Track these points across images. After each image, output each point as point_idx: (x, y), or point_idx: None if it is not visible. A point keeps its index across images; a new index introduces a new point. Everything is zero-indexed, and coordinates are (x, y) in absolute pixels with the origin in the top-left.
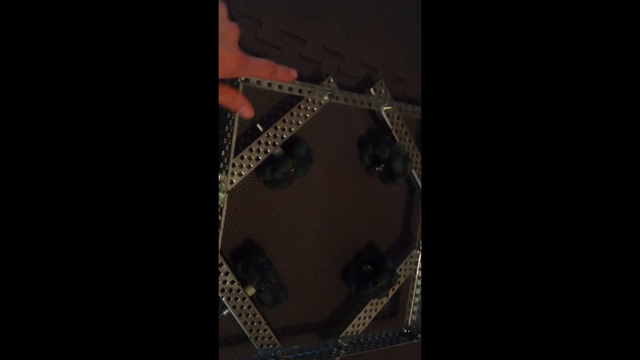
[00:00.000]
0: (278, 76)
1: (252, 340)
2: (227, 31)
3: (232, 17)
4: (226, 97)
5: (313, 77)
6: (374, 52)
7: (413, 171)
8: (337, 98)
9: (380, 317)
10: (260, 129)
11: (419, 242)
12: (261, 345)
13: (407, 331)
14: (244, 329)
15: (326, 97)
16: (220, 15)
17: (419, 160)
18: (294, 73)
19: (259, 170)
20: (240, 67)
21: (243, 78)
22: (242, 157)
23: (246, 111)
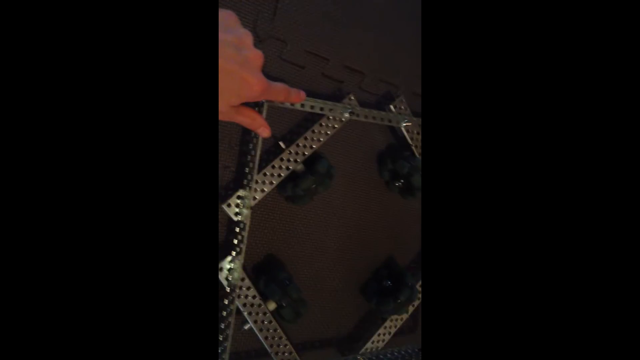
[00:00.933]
0: (291, 98)
1: (272, 355)
2: (253, 57)
3: (258, 39)
4: (247, 119)
5: (334, 95)
6: (394, 70)
7: None
8: (357, 115)
9: (400, 333)
10: (283, 146)
11: None
12: None
13: None
14: (264, 344)
15: (347, 115)
16: (247, 42)
17: None
18: (303, 95)
19: (281, 186)
20: (264, 91)
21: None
22: (264, 174)
23: (264, 131)
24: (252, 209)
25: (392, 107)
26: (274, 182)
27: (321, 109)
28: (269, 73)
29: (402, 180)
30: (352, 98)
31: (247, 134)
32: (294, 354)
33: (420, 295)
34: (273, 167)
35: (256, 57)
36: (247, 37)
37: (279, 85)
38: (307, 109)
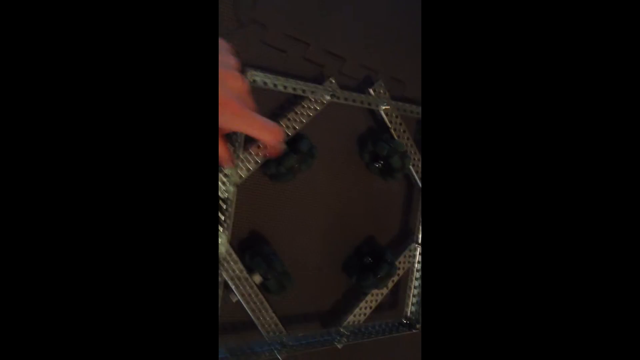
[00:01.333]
0: (265, 136)
1: (259, 326)
2: (232, 80)
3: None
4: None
5: (316, 79)
6: (374, 55)
7: (411, 168)
8: (338, 98)
9: (381, 308)
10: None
11: (417, 236)
12: (268, 332)
13: (406, 322)
14: (251, 316)
15: (328, 97)
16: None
17: (417, 157)
18: (279, 134)
19: (265, 165)
20: (236, 117)
21: (251, 79)
22: (250, 153)
23: (227, 163)
24: (238, 186)
25: (371, 91)
26: (259, 161)
27: (303, 91)
28: (251, 57)
29: (381, 162)
30: (333, 81)
31: None
32: (280, 325)
33: (399, 272)
34: (258, 146)
35: (236, 80)
36: (232, 61)
37: (257, 118)
38: (290, 90)
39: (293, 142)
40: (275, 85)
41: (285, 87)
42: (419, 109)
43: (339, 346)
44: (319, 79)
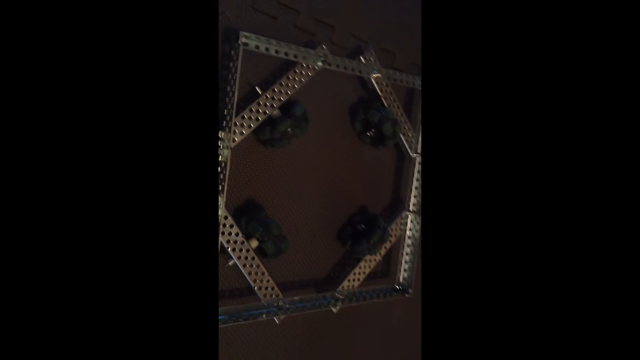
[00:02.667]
0: None
1: (256, 290)
2: None
3: None
4: None
5: (307, 46)
6: (364, 25)
7: (402, 136)
8: (329, 64)
9: (374, 275)
10: (259, 91)
11: (408, 204)
12: (264, 296)
13: (399, 287)
14: (248, 279)
15: (320, 63)
16: None
17: (407, 126)
18: None
19: (259, 130)
20: None
21: (243, 39)
22: (242, 117)
23: None
24: (232, 150)
25: (362, 58)
26: (252, 125)
27: (295, 55)
28: (242, 23)
29: (372, 130)
30: (324, 47)
31: (222, 80)
32: (276, 289)
33: (391, 239)
34: (251, 110)
35: None
36: None
37: None
38: (282, 55)
39: (286, 108)
40: (267, 49)
41: (277, 52)
42: (409, 78)
43: (334, 310)
44: (310, 47)
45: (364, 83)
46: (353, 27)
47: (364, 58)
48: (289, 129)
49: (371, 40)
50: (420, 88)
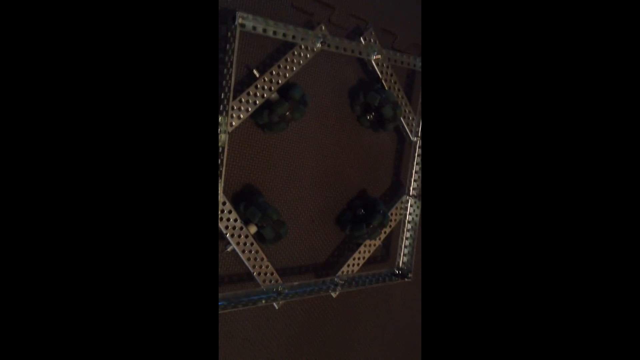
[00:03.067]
0: None
1: (255, 275)
2: None
3: None
4: None
5: (305, 27)
6: (364, 5)
7: (402, 119)
8: (329, 45)
9: (374, 260)
10: (257, 74)
11: (408, 188)
12: (264, 281)
13: (398, 272)
14: (247, 265)
15: (319, 44)
16: None
17: (407, 109)
18: None
19: (256, 114)
20: None
21: (240, 20)
22: (240, 101)
23: None
24: (230, 135)
25: (361, 39)
26: (250, 109)
27: (293, 37)
28: (239, 3)
29: (373, 113)
30: (323, 28)
31: (220, 63)
32: (275, 274)
33: (391, 224)
34: (248, 94)
35: None
36: None
37: None
38: (280, 36)
39: (284, 91)
40: (264, 30)
41: (274, 33)
42: (410, 60)
43: (334, 295)
44: (308, 27)
45: (364, 65)
46: (352, 7)
47: (364, 39)
48: (287, 113)
49: (371, 20)
50: (420, 70)
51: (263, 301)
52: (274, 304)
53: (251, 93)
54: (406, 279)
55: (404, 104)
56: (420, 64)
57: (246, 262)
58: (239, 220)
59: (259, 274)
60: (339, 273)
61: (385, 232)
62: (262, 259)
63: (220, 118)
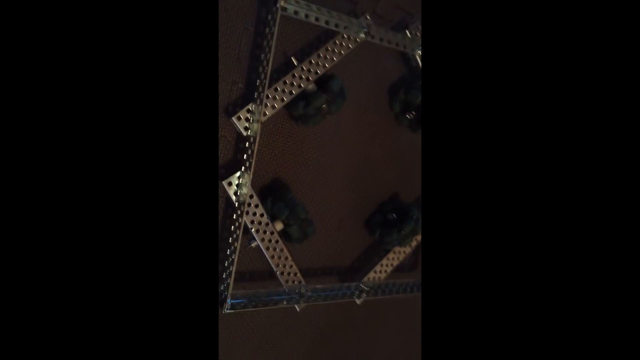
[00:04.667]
0: None
1: (278, 274)
2: None
3: None
4: None
5: (349, 14)
6: None
7: None
8: (372, 36)
9: (401, 268)
10: (295, 62)
11: None
12: (286, 281)
13: None
14: (271, 263)
15: (362, 35)
16: None
17: None
18: None
19: (291, 105)
20: None
21: (282, 3)
22: (275, 89)
23: None
24: (262, 125)
25: (407, 32)
26: (285, 99)
27: (336, 25)
28: None
29: (412, 112)
30: (368, 17)
31: (257, 48)
32: (299, 275)
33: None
34: (285, 82)
35: None
36: None
37: None
38: (322, 23)
39: (322, 82)
40: (306, 16)
41: (317, 19)
42: None
43: (358, 301)
44: (352, 16)
45: (407, 60)
46: None
47: (410, 32)
48: (324, 106)
49: (418, 13)
50: None
51: (284, 302)
52: (296, 305)
53: (287, 82)
54: None
55: None
56: None
57: (270, 260)
58: (265, 216)
59: (282, 273)
60: (365, 279)
61: (416, 240)
62: (286, 258)
63: (253, 106)
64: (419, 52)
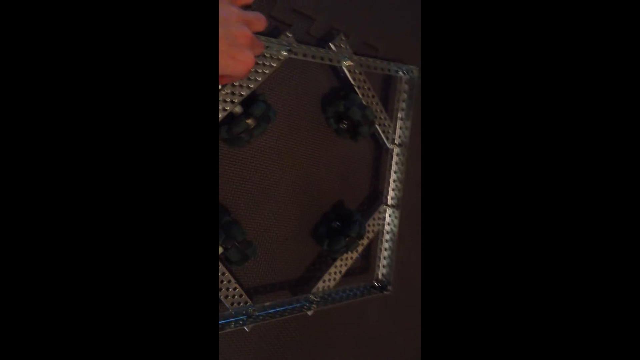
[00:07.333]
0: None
1: (222, 298)
2: (240, 35)
3: None
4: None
5: (270, 34)
6: (344, 17)
7: (377, 127)
8: (296, 53)
9: (351, 273)
10: (219, 86)
11: (386, 197)
12: (232, 304)
13: (377, 284)
14: None
15: (284, 52)
16: (233, 20)
17: (383, 115)
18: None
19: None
20: (250, 70)
21: None
22: None
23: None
24: None
25: (332, 45)
26: None
27: None
28: None
29: (345, 122)
30: (289, 35)
31: None
32: (245, 296)
33: (369, 235)
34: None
35: (243, 35)
36: (235, 15)
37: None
38: None
39: (247, 104)
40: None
41: None
42: (384, 65)
43: (309, 313)
44: (274, 35)
45: (337, 72)
46: (333, 18)
47: (335, 45)
48: (248, 128)
49: (352, 32)
50: (396, 74)
51: (232, 324)
52: (245, 327)
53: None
54: (385, 292)
55: (379, 110)
56: (396, 68)
57: None
58: None
59: (226, 296)
60: (314, 290)
61: (362, 244)
62: (229, 281)
63: None
64: (345, 63)
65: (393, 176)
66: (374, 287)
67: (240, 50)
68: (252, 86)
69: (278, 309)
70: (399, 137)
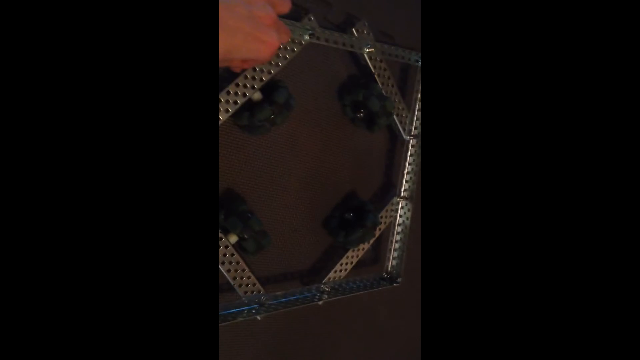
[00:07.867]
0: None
1: (235, 287)
2: (264, 16)
3: None
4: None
5: (292, 17)
6: (363, 3)
7: (395, 117)
8: (318, 38)
9: (362, 264)
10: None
11: (400, 189)
12: (245, 292)
13: (387, 276)
14: (227, 277)
15: (307, 37)
16: (257, 0)
17: (401, 106)
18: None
19: (237, 114)
20: (275, 52)
21: None
22: (219, 101)
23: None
24: None
25: (354, 30)
26: (230, 109)
27: None
28: None
29: (362, 111)
30: (312, 18)
31: None
32: (258, 285)
33: (381, 226)
34: (228, 93)
35: (267, 16)
36: None
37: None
38: None
39: (268, 91)
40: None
41: None
42: (405, 53)
43: (320, 303)
44: (295, 18)
45: (356, 59)
46: (350, 5)
47: (356, 31)
48: (270, 117)
49: (368, 20)
50: (416, 64)
51: (245, 312)
52: (257, 315)
53: (231, 92)
54: (395, 284)
55: (397, 100)
56: (416, 57)
57: (226, 274)
58: (218, 230)
59: (240, 285)
60: (325, 280)
61: (375, 235)
62: (243, 270)
63: None
64: (367, 50)
65: (407, 168)
66: (383, 278)
67: (265, 31)
68: (272, 71)
69: (290, 298)
70: (416, 128)
